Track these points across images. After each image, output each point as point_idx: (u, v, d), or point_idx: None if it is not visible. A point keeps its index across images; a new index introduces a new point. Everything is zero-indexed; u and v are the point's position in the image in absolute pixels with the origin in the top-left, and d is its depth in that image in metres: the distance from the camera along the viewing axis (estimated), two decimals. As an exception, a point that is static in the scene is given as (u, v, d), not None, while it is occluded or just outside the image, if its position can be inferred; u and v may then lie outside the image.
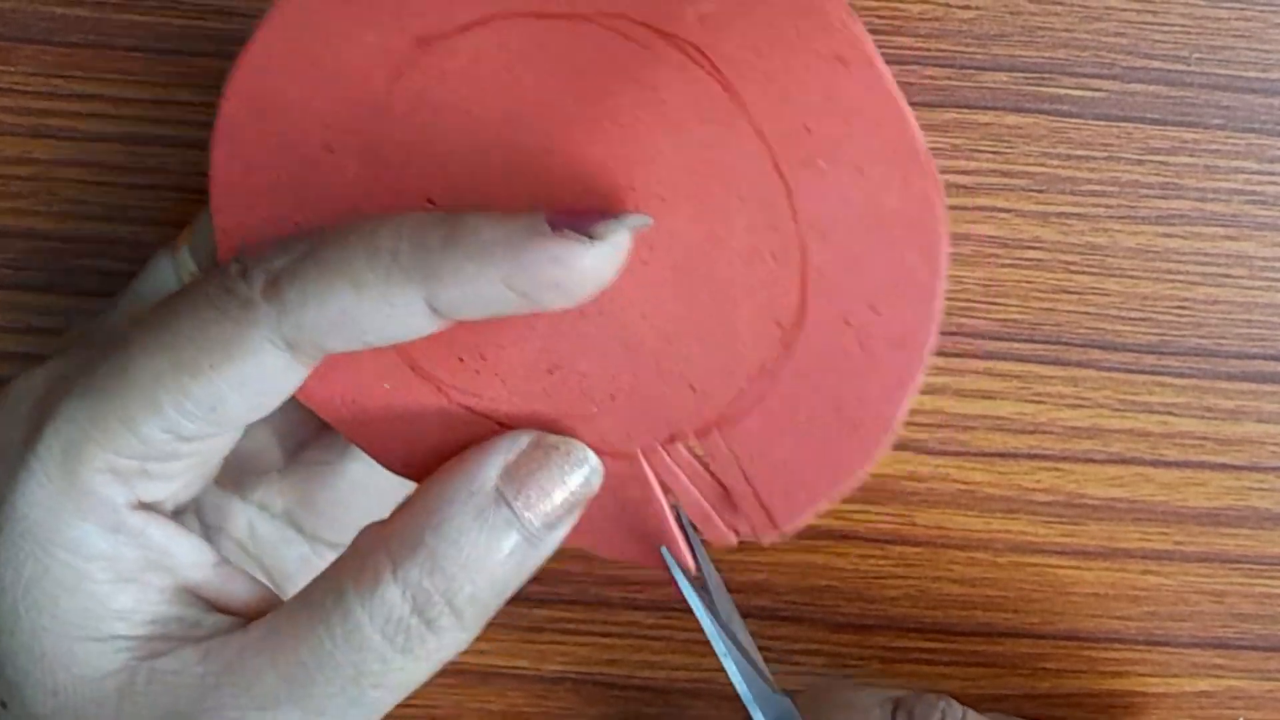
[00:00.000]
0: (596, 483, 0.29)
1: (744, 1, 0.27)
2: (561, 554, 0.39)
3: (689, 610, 0.40)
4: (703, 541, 0.31)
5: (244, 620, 0.29)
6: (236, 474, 0.34)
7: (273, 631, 0.28)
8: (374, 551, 0.28)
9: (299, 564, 0.34)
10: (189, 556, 0.29)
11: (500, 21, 0.29)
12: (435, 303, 0.27)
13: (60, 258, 0.38)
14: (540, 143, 0.29)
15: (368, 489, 0.35)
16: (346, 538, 0.32)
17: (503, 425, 0.30)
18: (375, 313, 0.27)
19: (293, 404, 0.34)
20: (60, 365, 0.29)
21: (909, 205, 0.28)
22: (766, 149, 0.28)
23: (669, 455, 0.31)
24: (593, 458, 0.29)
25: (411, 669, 0.28)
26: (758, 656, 0.33)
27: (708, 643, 0.40)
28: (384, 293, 0.27)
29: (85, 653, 0.28)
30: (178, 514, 0.30)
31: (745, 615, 0.40)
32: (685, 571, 0.31)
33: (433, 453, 0.31)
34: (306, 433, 0.35)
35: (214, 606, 0.29)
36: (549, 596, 0.40)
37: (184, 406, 0.27)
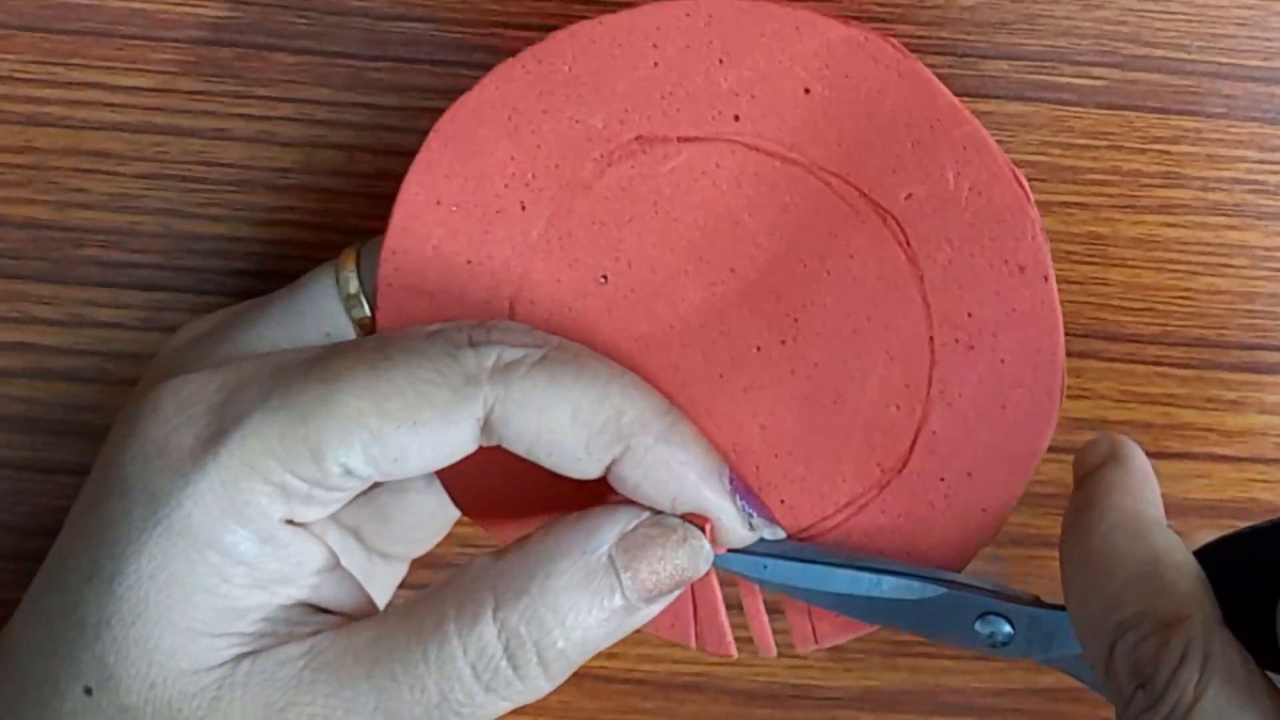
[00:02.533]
0: (705, 569, 0.31)
1: (951, 196, 0.31)
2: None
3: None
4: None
5: (344, 619, 0.30)
6: None
7: (374, 642, 0.29)
8: (480, 588, 0.29)
9: (359, 573, 0.35)
10: (319, 564, 0.30)
11: (722, 144, 0.32)
12: (617, 470, 0.29)
13: (59, 247, 0.38)
14: (724, 259, 0.32)
15: (429, 513, 0.35)
16: (401, 550, 0.35)
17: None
18: (567, 447, 0.29)
19: None
20: (234, 374, 0.30)
21: (1032, 400, 0.32)
22: (927, 321, 0.31)
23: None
24: (706, 545, 0.31)
25: (490, 707, 0.29)
26: None
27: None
28: (583, 442, 0.29)
29: (199, 646, 0.29)
30: None
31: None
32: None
33: (509, 508, 0.33)
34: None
35: (320, 610, 0.30)
36: (549, 590, 0.39)
37: (372, 451, 0.28)
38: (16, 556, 0.39)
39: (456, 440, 0.29)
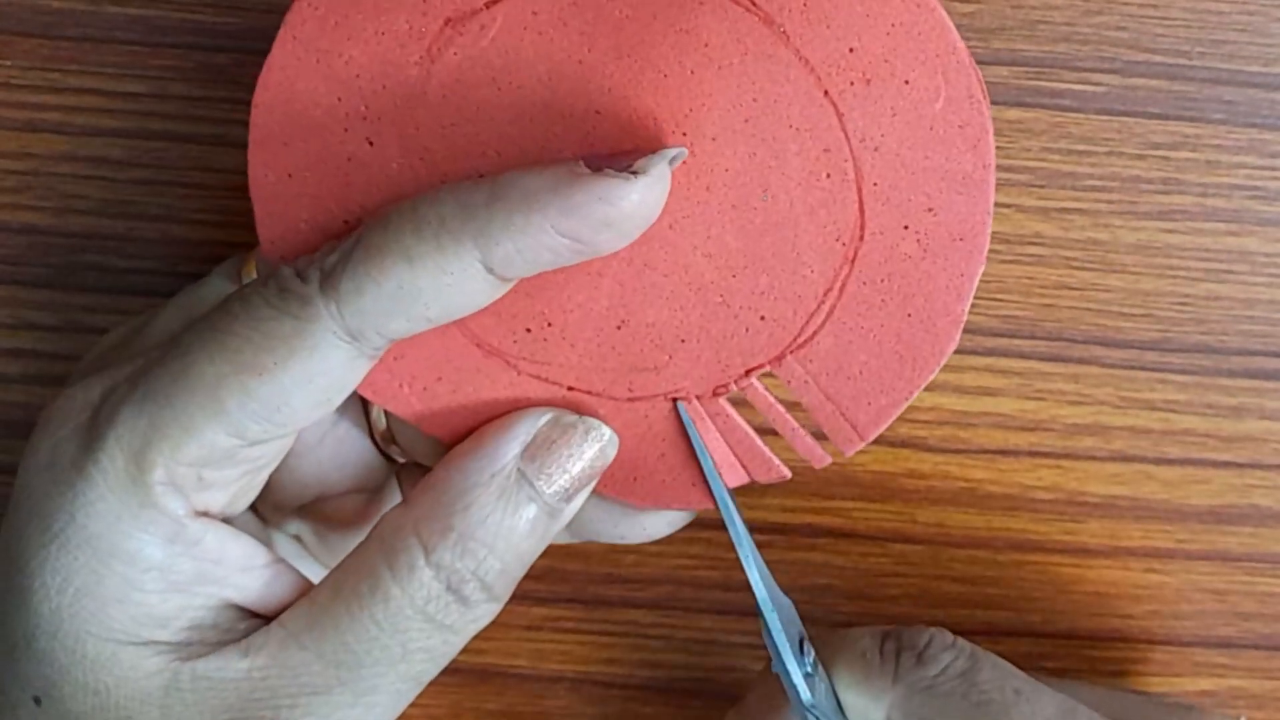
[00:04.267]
0: (612, 454, 0.30)
1: None
2: (559, 553, 0.39)
3: (687, 609, 0.40)
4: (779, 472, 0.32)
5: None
6: (270, 505, 0.34)
7: (312, 624, 0.28)
8: (405, 537, 0.28)
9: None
10: (241, 560, 0.29)
11: None
12: (490, 262, 0.27)
13: (57, 253, 0.38)
14: (584, 104, 0.30)
15: (361, 511, 0.35)
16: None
17: (573, 390, 0.31)
18: (433, 283, 0.27)
19: (326, 446, 0.34)
20: (111, 376, 0.29)
21: (954, 105, 0.29)
22: (813, 75, 0.29)
23: (747, 393, 0.31)
24: (609, 432, 0.30)
25: (452, 640, 0.29)
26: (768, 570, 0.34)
27: (707, 642, 0.40)
28: (438, 261, 0.27)
29: (126, 655, 0.28)
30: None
31: (746, 614, 0.40)
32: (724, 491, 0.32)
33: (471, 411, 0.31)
34: (336, 484, 0.35)
35: (251, 614, 0.30)
36: (547, 595, 0.40)
37: (248, 407, 0.28)
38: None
39: (333, 366, 0.28)
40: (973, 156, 0.30)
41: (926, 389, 0.38)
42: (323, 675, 0.28)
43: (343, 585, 0.29)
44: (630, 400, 0.31)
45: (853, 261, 0.30)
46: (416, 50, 0.30)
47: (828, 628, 0.38)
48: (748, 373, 0.31)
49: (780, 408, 0.31)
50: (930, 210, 0.30)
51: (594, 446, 0.30)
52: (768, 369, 0.31)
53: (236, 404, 0.28)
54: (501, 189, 0.27)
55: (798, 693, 0.31)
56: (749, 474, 0.32)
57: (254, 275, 0.33)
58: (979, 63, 0.37)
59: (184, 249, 0.38)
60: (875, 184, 0.30)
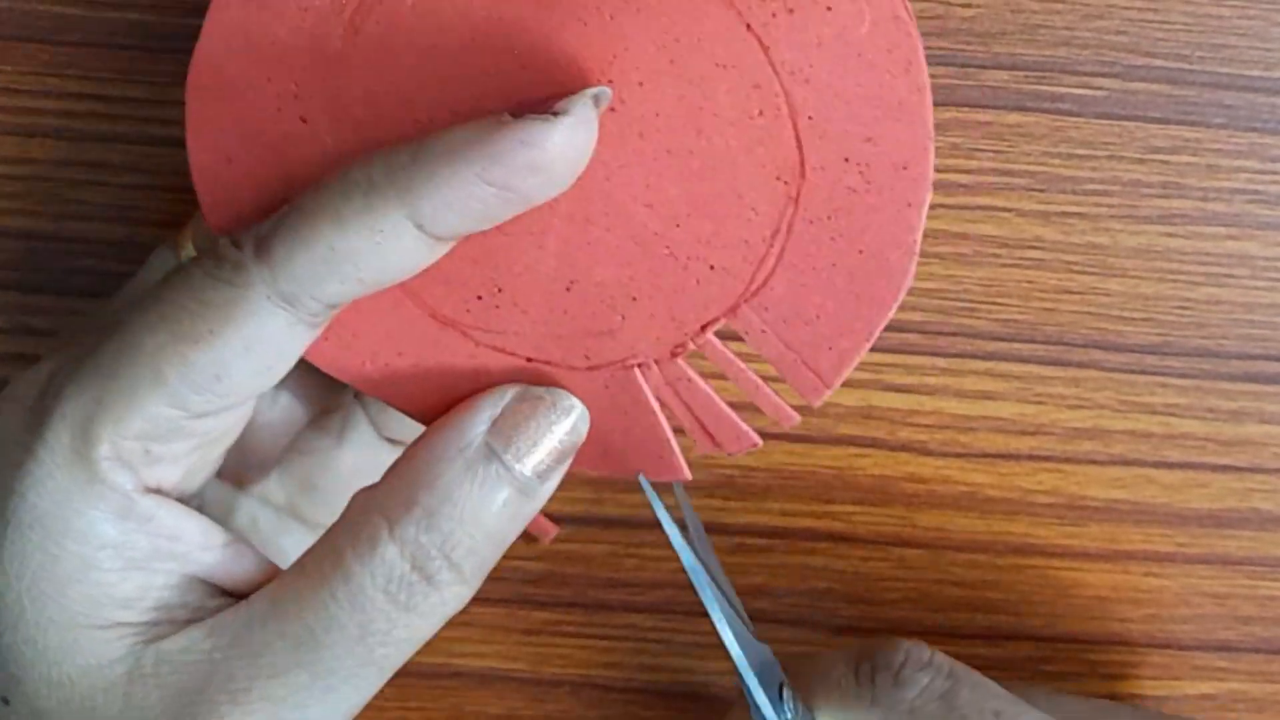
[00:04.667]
0: (584, 430, 0.30)
1: None
2: (559, 558, 0.39)
3: (688, 613, 0.40)
4: (760, 432, 0.32)
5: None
6: (237, 468, 0.34)
7: (275, 602, 0.28)
8: (369, 514, 0.28)
9: (299, 550, 0.34)
10: (198, 538, 0.29)
11: None
12: (420, 219, 0.27)
13: (57, 258, 0.38)
14: (508, 61, 0.29)
15: (367, 472, 0.34)
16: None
17: (531, 360, 0.31)
18: (363, 244, 0.27)
19: (287, 392, 0.34)
20: (59, 358, 0.29)
21: (880, 28, 0.29)
22: (733, 10, 0.29)
23: (706, 351, 0.31)
24: (578, 405, 0.30)
25: (417, 624, 0.28)
26: (740, 607, 0.33)
27: (707, 647, 0.40)
28: (367, 221, 0.27)
29: (90, 641, 0.28)
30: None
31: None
32: (668, 505, 0.31)
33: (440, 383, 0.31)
34: (303, 421, 0.35)
35: (221, 590, 0.29)
36: (547, 599, 0.39)
37: (188, 377, 0.27)
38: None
39: (271, 333, 0.28)
40: (905, 80, 0.29)
41: (926, 393, 0.39)
42: (282, 655, 0.28)
43: (307, 564, 0.28)
44: (589, 369, 0.31)
45: (796, 200, 0.30)
46: (339, 22, 0.30)
47: (820, 638, 0.38)
48: (703, 328, 0.31)
49: (741, 364, 0.31)
50: (869, 140, 0.29)
51: (564, 420, 0.30)
52: (723, 322, 0.30)
53: (176, 374, 0.27)
54: (426, 145, 0.27)
55: None
56: (717, 444, 0.31)
57: (188, 247, 0.32)
58: (980, 67, 0.37)
59: (183, 254, 0.38)
60: (810, 117, 0.29)
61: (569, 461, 0.30)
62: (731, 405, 0.31)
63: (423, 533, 0.28)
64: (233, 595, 0.29)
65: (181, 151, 0.37)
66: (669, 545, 0.39)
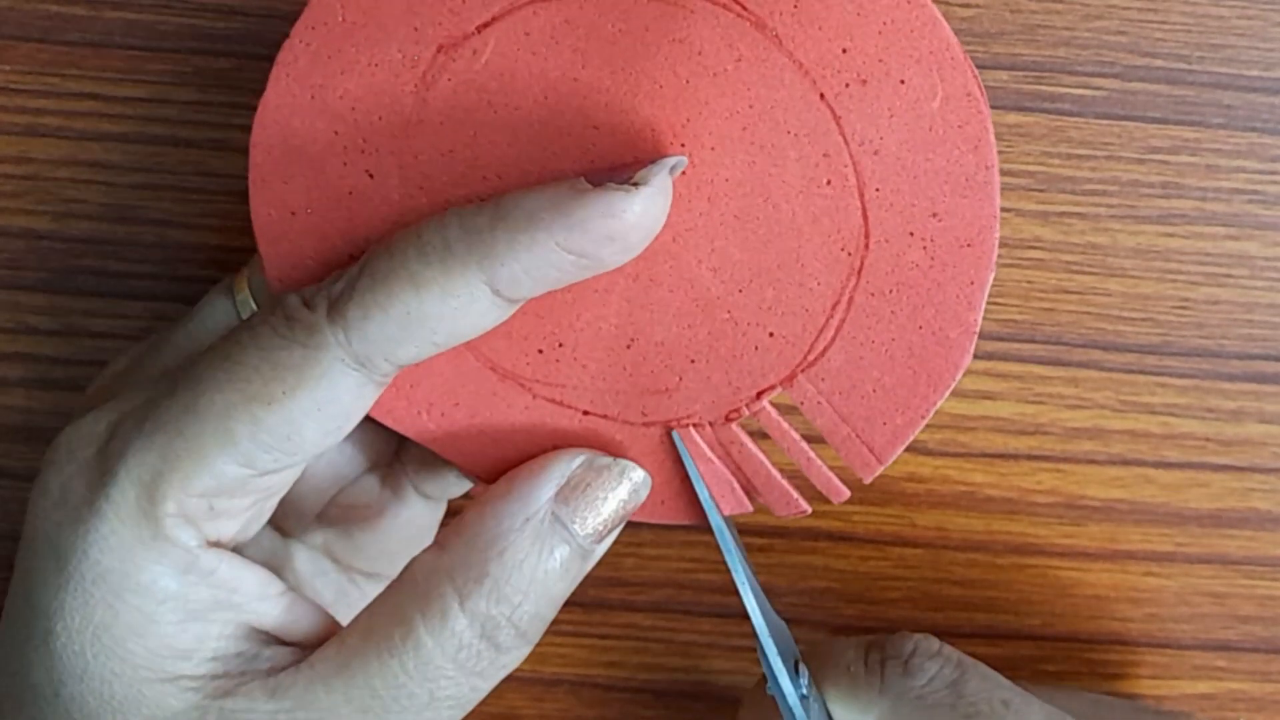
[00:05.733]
0: (644, 494, 0.30)
1: None
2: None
3: (687, 612, 0.40)
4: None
5: (305, 650, 0.29)
6: (281, 516, 0.34)
7: (341, 666, 0.28)
8: (439, 584, 0.28)
9: (335, 594, 0.35)
10: (256, 589, 0.29)
11: (519, 12, 0.29)
12: (496, 284, 0.27)
13: (57, 257, 0.38)
14: (581, 121, 0.30)
15: (404, 526, 0.35)
16: (381, 568, 0.35)
17: (589, 414, 0.31)
18: (439, 308, 0.27)
19: (339, 444, 0.35)
20: (118, 408, 0.29)
21: (951, 104, 0.29)
22: (808, 79, 0.29)
23: (760, 419, 0.31)
24: (642, 474, 0.30)
25: (481, 686, 0.29)
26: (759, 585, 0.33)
27: (707, 645, 0.40)
28: (444, 285, 0.27)
29: (155, 694, 0.28)
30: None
31: (744, 618, 0.40)
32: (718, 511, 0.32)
33: (521, 455, 0.31)
34: (349, 474, 0.35)
35: (276, 639, 0.30)
36: (547, 598, 0.39)
37: (258, 437, 0.28)
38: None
39: (341, 393, 0.28)
40: (974, 157, 0.29)
41: (926, 393, 0.39)
42: (348, 719, 0.28)
43: (374, 629, 0.28)
44: (645, 425, 0.31)
45: (859, 272, 0.30)
46: (411, 79, 0.30)
47: (820, 637, 0.38)
48: (759, 395, 0.31)
49: (795, 435, 0.31)
50: (935, 215, 0.29)
51: (627, 488, 0.30)
52: (779, 390, 0.31)
53: (247, 434, 0.28)
54: (504, 209, 0.27)
55: (793, 715, 0.31)
56: (771, 507, 0.31)
57: (245, 292, 0.32)
58: (979, 67, 0.37)
59: (183, 253, 0.38)
60: (877, 189, 0.29)
61: (625, 522, 0.30)
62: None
63: (492, 605, 0.28)
64: (285, 644, 0.30)
65: (181, 151, 0.37)
66: (668, 545, 0.39)
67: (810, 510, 0.31)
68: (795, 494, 0.31)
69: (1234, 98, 0.38)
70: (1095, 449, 0.39)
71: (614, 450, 0.31)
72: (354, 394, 0.28)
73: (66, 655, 0.28)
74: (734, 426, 0.31)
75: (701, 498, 0.31)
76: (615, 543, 0.39)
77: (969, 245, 0.29)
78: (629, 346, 0.30)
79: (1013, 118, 0.38)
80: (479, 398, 0.31)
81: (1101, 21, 0.37)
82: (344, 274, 0.28)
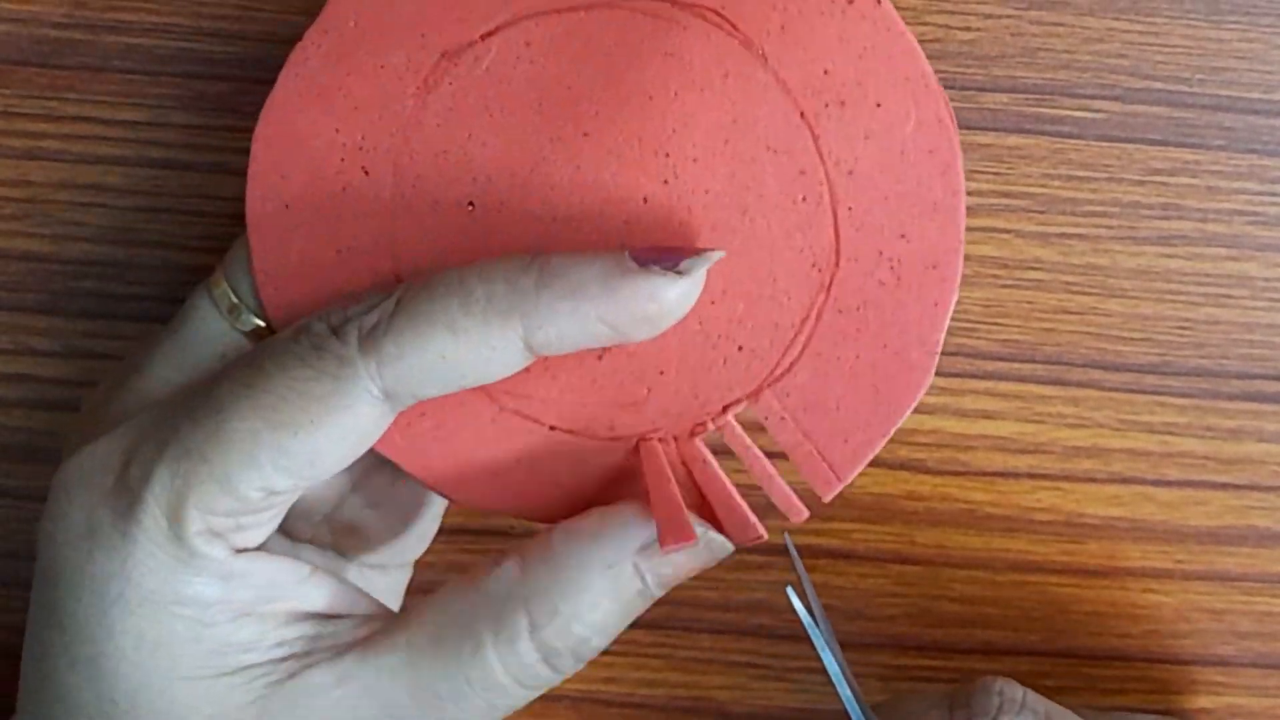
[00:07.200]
0: (722, 556, 0.31)
1: None
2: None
3: (687, 629, 0.40)
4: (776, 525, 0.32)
5: (360, 620, 0.31)
6: (292, 516, 0.34)
7: (409, 665, 0.29)
8: (513, 609, 0.29)
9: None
10: (294, 578, 0.30)
11: (522, 23, 0.30)
12: (532, 341, 0.28)
13: (56, 280, 0.38)
14: (573, 128, 0.30)
15: (397, 520, 0.36)
16: (388, 559, 0.35)
17: (554, 429, 0.31)
18: (472, 356, 0.28)
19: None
20: (129, 434, 0.30)
21: (924, 129, 0.30)
22: (790, 97, 0.30)
23: (724, 434, 0.31)
24: (722, 541, 0.31)
25: (531, 696, 0.30)
26: (851, 675, 0.34)
27: (706, 662, 0.40)
28: (483, 336, 0.28)
29: (221, 689, 0.29)
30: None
31: (745, 634, 0.40)
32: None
33: (484, 469, 0.32)
34: (349, 482, 0.35)
35: (323, 616, 0.31)
36: (548, 614, 0.40)
37: (281, 464, 0.28)
38: (17, 583, 0.39)
39: (364, 422, 0.29)
40: (942, 182, 0.30)
41: (926, 412, 0.39)
42: (410, 712, 0.29)
43: (445, 638, 0.30)
44: (611, 440, 0.31)
45: (829, 288, 0.31)
46: (413, 82, 0.31)
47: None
48: (725, 409, 0.31)
49: (757, 451, 0.31)
50: (903, 236, 0.30)
51: (706, 555, 0.30)
52: (745, 404, 0.31)
53: (271, 460, 0.28)
54: (551, 275, 0.28)
55: None
56: (725, 532, 0.31)
57: (222, 285, 0.32)
58: (980, 90, 0.37)
59: (182, 275, 0.38)
60: (850, 208, 0.30)
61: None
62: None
63: (559, 638, 0.29)
64: (341, 618, 0.31)
65: (180, 174, 0.37)
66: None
67: (765, 536, 0.31)
68: (753, 518, 0.31)
69: (1234, 120, 0.38)
70: (1095, 467, 0.39)
71: (580, 466, 0.31)
72: (375, 422, 0.29)
73: (120, 673, 0.29)
74: (698, 441, 0.31)
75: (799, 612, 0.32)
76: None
77: (934, 267, 0.30)
78: (600, 358, 0.31)
79: (1013, 140, 0.38)
80: (444, 408, 0.31)
81: (1102, 44, 0.37)
82: (373, 304, 0.29)
